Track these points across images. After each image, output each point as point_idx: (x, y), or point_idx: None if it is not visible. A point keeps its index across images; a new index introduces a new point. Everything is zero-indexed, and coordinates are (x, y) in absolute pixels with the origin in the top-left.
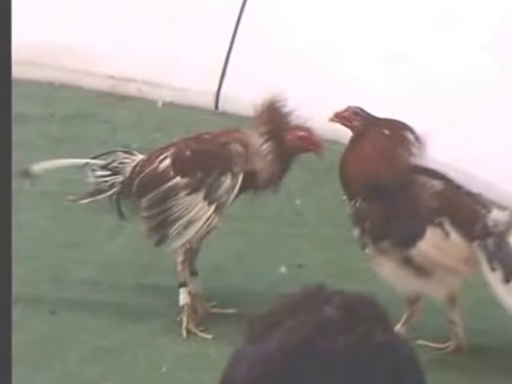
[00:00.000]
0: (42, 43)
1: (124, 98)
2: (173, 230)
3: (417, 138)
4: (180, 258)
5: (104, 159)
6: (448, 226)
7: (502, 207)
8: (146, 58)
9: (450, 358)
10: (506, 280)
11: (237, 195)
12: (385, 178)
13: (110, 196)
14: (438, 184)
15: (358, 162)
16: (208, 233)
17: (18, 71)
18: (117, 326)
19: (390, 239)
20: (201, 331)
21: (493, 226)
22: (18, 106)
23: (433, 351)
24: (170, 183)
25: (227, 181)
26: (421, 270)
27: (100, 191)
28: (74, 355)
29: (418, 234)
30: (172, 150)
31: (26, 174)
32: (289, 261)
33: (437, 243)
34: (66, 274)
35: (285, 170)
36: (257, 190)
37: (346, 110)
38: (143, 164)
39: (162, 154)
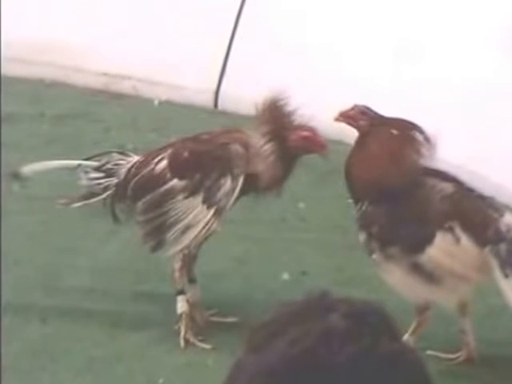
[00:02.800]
0: (32, 39)
1: (118, 96)
2: (170, 235)
3: (426, 139)
4: (177, 265)
5: (97, 160)
6: (459, 231)
7: None
8: (142, 54)
9: (461, 368)
10: None
11: (237, 198)
12: (392, 180)
13: (104, 199)
14: (448, 187)
15: (364, 164)
16: (207, 238)
17: (6, 68)
18: (111, 336)
19: (397, 244)
20: (199, 341)
21: (506, 231)
22: (6, 105)
23: (443, 362)
24: (167, 186)
25: (227, 183)
26: (430, 276)
27: (93, 194)
28: (66, 366)
29: (428, 239)
30: (169, 150)
31: (16, 176)
32: (292, 267)
33: (447, 249)
34: (58, 281)
35: (288, 171)
36: (258, 193)
37: (352, 108)
38: (139, 166)
39: (158, 155)
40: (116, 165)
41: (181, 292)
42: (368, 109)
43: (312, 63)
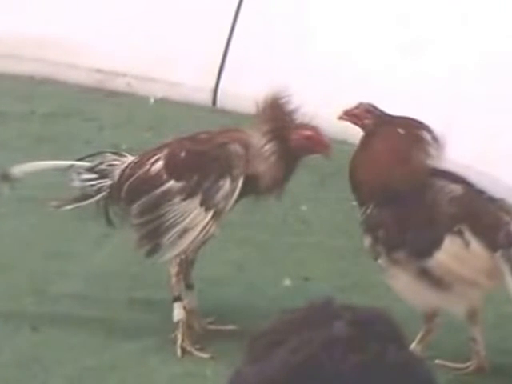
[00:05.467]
0: (22, 34)
1: (112, 94)
2: (166, 239)
3: (434, 138)
4: (174, 270)
5: (90, 161)
6: (468, 235)
7: None
8: (137, 49)
9: (471, 379)
10: None
11: (236, 201)
12: (399, 181)
13: (97, 202)
14: (457, 188)
15: (369, 165)
16: (205, 242)
17: None
18: (104, 344)
19: (404, 249)
20: (197, 350)
21: None
22: None
23: (452, 372)
24: (163, 188)
25: (226, 185)
26: (439, 282)
27: (86, 196)
28: (58, 376)
29: (436, 244)
30: (165, 151)
31: (5, 177)
32: (293, 273)
33: (456, 253)
34: (49, 287)
35: (289, 173)
36: (258, 195)
37: (357, 106)
38: (133, 166)
39: (154, 155)
40: (110, 165)
41: (177, 299)
42: (373, 107)
43: (314, 59)
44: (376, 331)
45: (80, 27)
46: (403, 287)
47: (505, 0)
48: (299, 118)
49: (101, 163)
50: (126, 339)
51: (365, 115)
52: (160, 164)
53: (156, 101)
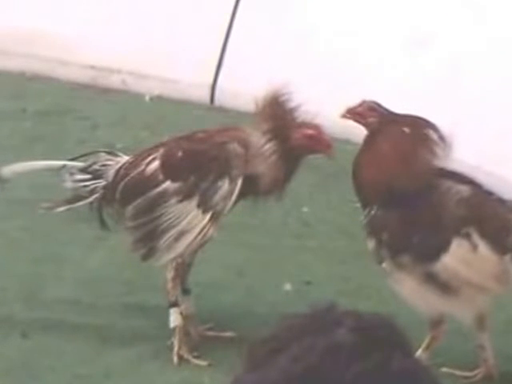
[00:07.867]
0: (13, 29)
1: (106, 91)
2: (162, 242)
3: (441, 137)
4: (170, 274)
5: (84, 161)
6: (476, 238)
7: None
8: (132, 45)
9: None
10: None
11: (235, 202)
12: (404, 182)
13: (91, 203)
14: (465, 189)
15: (373, 165)
16: (202, 245)
17: None
18: (98, 352)
19: (410, 252)
20: (194, 357)
21: None
22: None
23: (459, 380)
24: (159, 188)
25: (224, 186)
26: (445, 287)
27: (79, 198)
28: None
29: (443, 247)
30: (161, 150)
31: None
32: (295, 277)
33: (463, 257)
34: (41, 292)
35: (290, 173)
36: (258, 197)
37: (360, 104)
38: (128, 167)
39: (149, 155)
40: (104, 166)
41: (174, 304)
42: (377, 105)
43: (316, 56)
44: (380, 338)
45: (73, 22)
46: (408, 292)
47: None
48: (300, 116)
49: (94, 163)
50: (121, 346)
51: (368, 113)
52: (156, 164)
53: (152, 98)
